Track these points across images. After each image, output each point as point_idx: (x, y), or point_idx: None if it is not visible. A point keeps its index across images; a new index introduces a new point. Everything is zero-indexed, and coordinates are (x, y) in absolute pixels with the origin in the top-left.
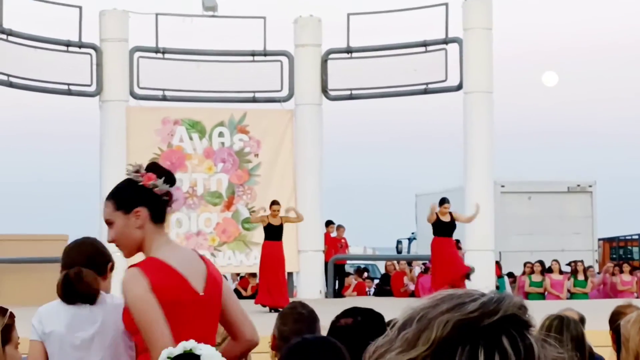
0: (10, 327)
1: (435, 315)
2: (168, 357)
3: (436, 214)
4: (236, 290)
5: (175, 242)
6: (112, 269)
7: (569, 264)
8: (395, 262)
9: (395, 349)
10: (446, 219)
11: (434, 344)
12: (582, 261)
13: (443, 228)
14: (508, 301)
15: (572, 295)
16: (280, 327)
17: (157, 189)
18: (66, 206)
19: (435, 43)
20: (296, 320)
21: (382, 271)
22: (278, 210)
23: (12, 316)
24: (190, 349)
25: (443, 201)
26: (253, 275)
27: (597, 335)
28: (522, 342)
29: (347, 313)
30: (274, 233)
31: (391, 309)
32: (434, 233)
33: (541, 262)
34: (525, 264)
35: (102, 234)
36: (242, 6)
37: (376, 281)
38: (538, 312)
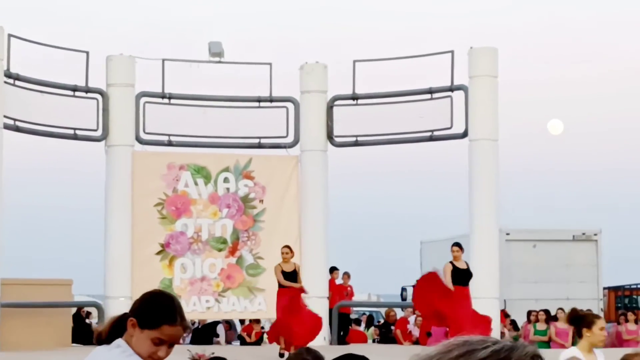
0: None
1: None
2: None
3: (450, 262)
4: (240, 337)
5: None
6: None
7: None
8: (395, 309)
9: None
10: (461, 265)
11: None
12: (589, 310)
13: (458, 276)
14: (520, 350)
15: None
16: None
17: None
18: (71, 250)
19: (440, 90)
20: None
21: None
22: (287, 254)
23: None
24: None
25: (454, 245)
26: (257, 321)
27: None
28: None
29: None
30: (287, 280)
31: (398, 356)
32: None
33: (546, 311)
34: (530, 313)
35: (105, 278)
36: (248, 52)
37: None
38: None
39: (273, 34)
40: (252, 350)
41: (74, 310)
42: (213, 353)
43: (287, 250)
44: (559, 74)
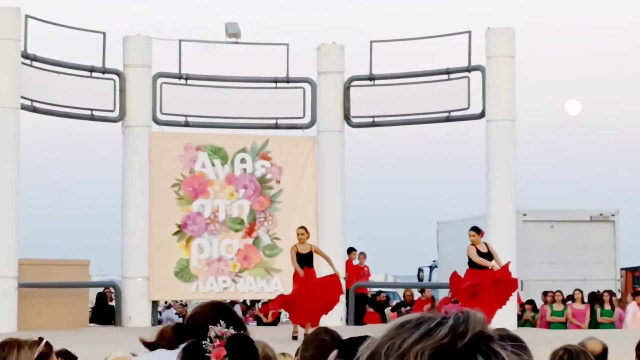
0: (47, 356)
1: (407, 347)
2: None
3: (472, 245)
4: (257, 317)
5: None
6: None
7: (596, 293)
8: (413, 290)
9: None
10: (482, 249)
11: None
12: (610, 291)
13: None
14: (473, 319)
15: (599, 325)
16: (303, 352)
17: None
18: (88, 231)
19: (458, 71)
20: (317, 347)
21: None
22: (302, 235)
23: (48, 345)
24: None
25: (470, 229)
26: None
27: None
28: (496, 358)
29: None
30: (303, 261)
31: None
32: (470, 265)
33: (561, 292)
34: (546, 294)
35: (123, 259)
36: (265, 33)
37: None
38: (560, 342)
39: (290, 15)
40: (269, 330)
41: (91, 290)
42: (231, 327)
43: (303, 232)
44: (577, 52)
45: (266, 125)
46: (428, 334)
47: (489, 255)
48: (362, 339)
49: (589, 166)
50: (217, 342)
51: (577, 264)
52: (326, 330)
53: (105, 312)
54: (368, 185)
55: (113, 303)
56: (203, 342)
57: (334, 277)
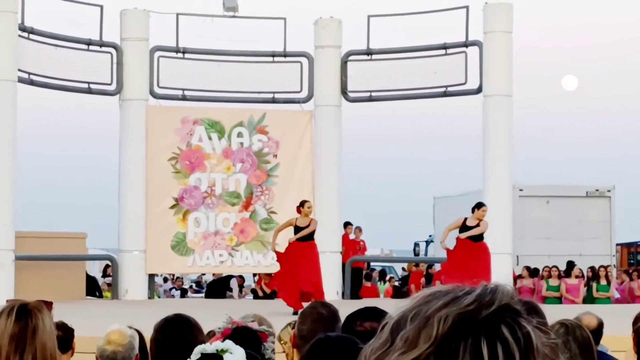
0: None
1: (432, 311)
2: (201, 353)
3: (465, 218)
4: (254, 290)
5: None
6: None
7: (593, 269)
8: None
9: (395, 350)
10: (471, 223)
11: (437, 341)
12: (608, 266)
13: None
14: (502, 291)
15: (595, 300)
16: (300, 325)
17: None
18: (85, 205)
19: (455, 46)
20: (315, 320)
21: (399, 273)
22: (310, 207)
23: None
24: (222, 350)
25: (481, 205)
26: (269, 275)
27: (617, 340)
28: (520, 331)
29: (368, 315)
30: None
31: None
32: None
33: (556, 267)
34: (542, 269)
35: (120, 232)
36: (262, 7)
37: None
38: (556, 316)
39: None
40: (266, 303)
41: (88, 263)
42: (249, 316)
43: (310, 205)
44: (574, 28)
45: (263, 100)
46: (454, 301)
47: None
48: (369, 310)
49: (585, 142)
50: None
51: (573, 239)
52: (323, 304)
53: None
54: (364, 159)
55: (92, 274)
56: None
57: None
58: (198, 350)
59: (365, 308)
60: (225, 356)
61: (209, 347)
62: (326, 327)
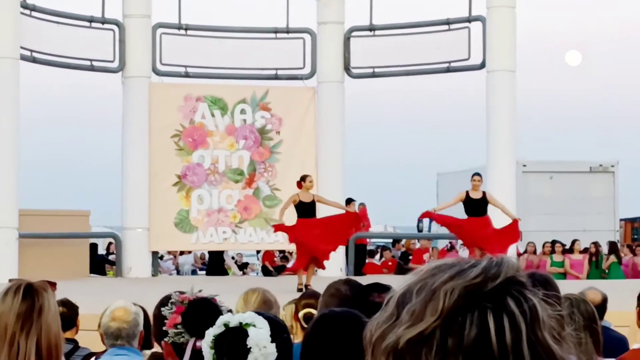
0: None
1: (438, 284)
2: (224, 325)
3: (466, 191)
4: (264, 267)
5: None
6: None
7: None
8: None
9: (402, 323)
10: (475, 195)
11: (443, 313)
12: (617, 241)
13: (473, 206)
14: (507, 263)
15: (609, 275)
16: (322, 297)
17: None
18: (88, 182)
19: (458, 21)
20: (332, 295)
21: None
22: (311, 182)
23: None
24: (246, 323)
25: (475, 174)
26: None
27: (621, 316)
28: (526, 303)
29: (377, 288)
30: (306, 211)
31: None
32: (466, 212)
33: (559, 242)
34: (544, 244)
35: (123, 209)
36: None
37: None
38: (561, 292)
39: None
40: (272, 281)
41: (91, 241)
42: (200, 290)
43: (312, 179)
44: (577, 3)
45: (266, 76)
46: (460, 274)
47: (481, 202)
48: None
49: (588, 117)
50: (174, 308)
51: (577, 214)
52: (348, 281)
53: (95, 263)
54: (368, 136)
55: (104, 253)
56: (162, 308)
57: (342, 216)
58: (220, 321)
59: (377, 283)
60: (250, 330)
61: (233, 320)
62: (340, 304)
